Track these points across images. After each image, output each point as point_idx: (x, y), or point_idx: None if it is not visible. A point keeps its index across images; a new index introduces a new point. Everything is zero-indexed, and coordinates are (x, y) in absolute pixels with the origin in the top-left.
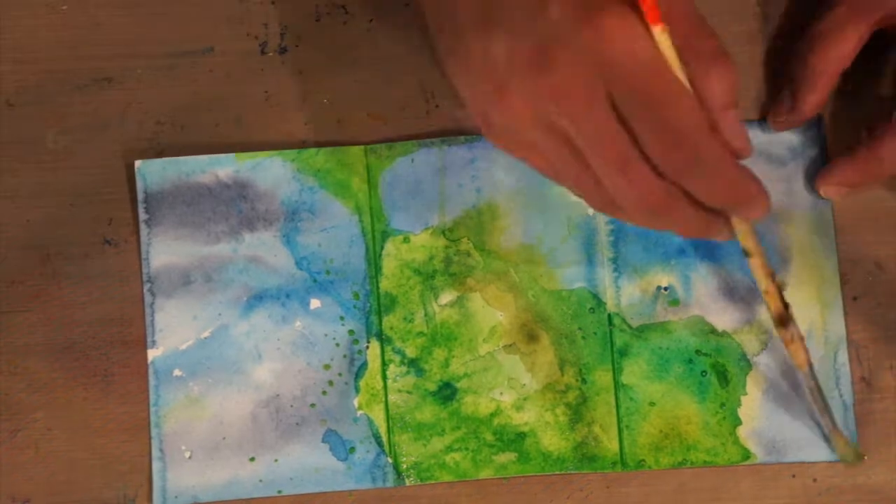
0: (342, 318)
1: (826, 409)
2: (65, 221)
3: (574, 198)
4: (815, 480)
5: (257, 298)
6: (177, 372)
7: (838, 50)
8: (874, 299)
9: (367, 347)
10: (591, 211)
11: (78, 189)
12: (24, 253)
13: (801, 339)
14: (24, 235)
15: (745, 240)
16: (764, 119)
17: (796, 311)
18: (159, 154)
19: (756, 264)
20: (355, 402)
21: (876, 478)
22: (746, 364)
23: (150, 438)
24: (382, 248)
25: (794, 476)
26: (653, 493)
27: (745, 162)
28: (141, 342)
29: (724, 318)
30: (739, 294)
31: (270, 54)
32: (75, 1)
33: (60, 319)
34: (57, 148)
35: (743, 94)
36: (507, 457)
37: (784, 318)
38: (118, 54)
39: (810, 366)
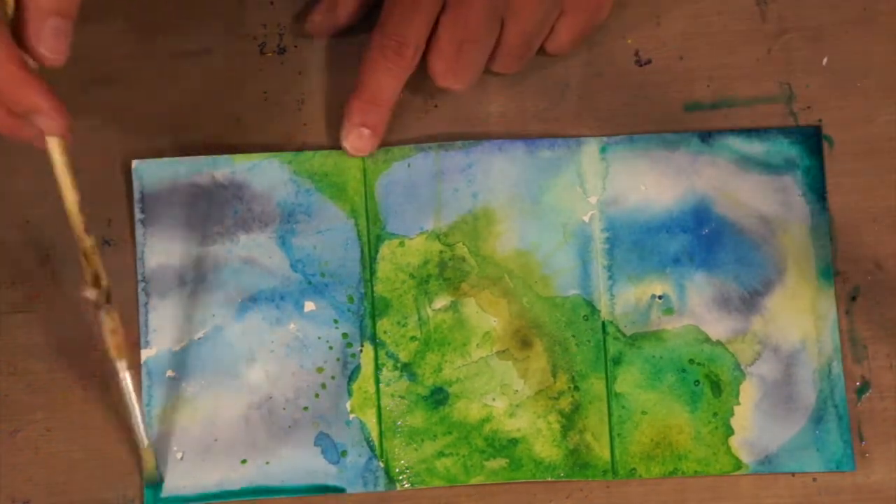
0: (336, 321)
1: (140, 417)
2: (64, 222)
3: (571, 204)
4: (814, 480)
5: (252, 300)
6: (170, 373)
7: None
8: (873, 299)
9: (361, 351)
10: (586, 218)
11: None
12: (23, 254)
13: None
14: (23, 236)
15: (56, 160)
16: (761, 129)
17: (790, 323)
18: (158, 154)
19: (70, 207)
20: (348, 406)
21: (876, 478)
22: (740, 374)
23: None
24: (377, 251)
25: (793, 475)
26: (652, 493)
27: (746, 170)
28: (140, 343)
29: (718, 327)
30: (734, 304)
31: (269, 55)
32: None
33: (60, 320)
34: None
35: (741, 100)
36: (498, 463)
37: (101, 289)
38: (117, 55)
39: (127, 360)
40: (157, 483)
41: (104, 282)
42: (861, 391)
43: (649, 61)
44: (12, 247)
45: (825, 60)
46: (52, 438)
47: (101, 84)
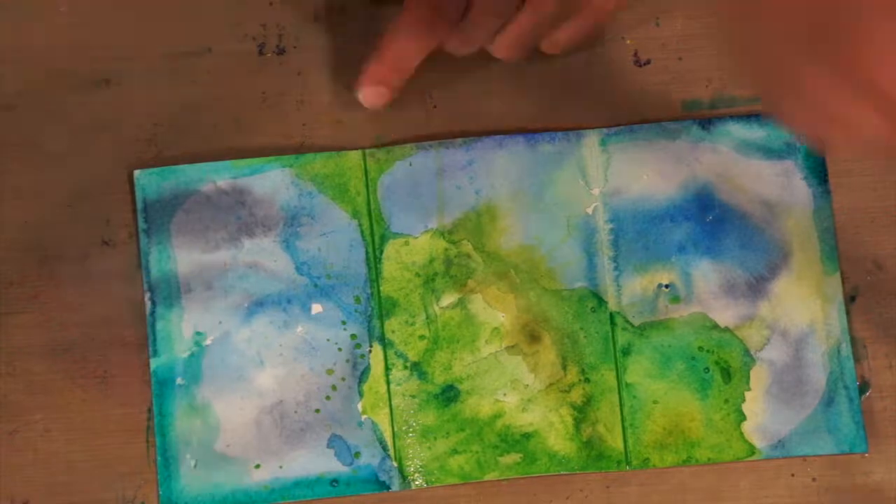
0: (344, 322)
1: None
2: (63, 222)
3: (573, 197)
4: (814, 480)
5: (258, 305)
6: (179, 380)
7: None
8: (873, 298)
9: (370, 351)
10: (589, 210)
11: (76, 190)
12: (22, 254)
13: None
14: (22, 236)
15: None
16: (760, 114)
17: (797, 306)
18: (157, 155)
19: None
20: (359, 407)
21: (876, 477)
22: (750, 359)
23: (147, 443)
24: (382, 251)
25: (793, 475)
26: (652, 492)
27: (747, 156)
28: (139, 344)
29: (725, 314)
30: (740, 290)
31: (269, 55)
32: (75, 2)
33: (59, 320)
34: (55, 149)
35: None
36: (512, 458)
37: None
38: (117, 56)
39: None
40: None
41: None
42: (861, 391)
43: (648, 62)
44: (12, 247)
45: None
46: (51, 439)
47: (101, 84)
